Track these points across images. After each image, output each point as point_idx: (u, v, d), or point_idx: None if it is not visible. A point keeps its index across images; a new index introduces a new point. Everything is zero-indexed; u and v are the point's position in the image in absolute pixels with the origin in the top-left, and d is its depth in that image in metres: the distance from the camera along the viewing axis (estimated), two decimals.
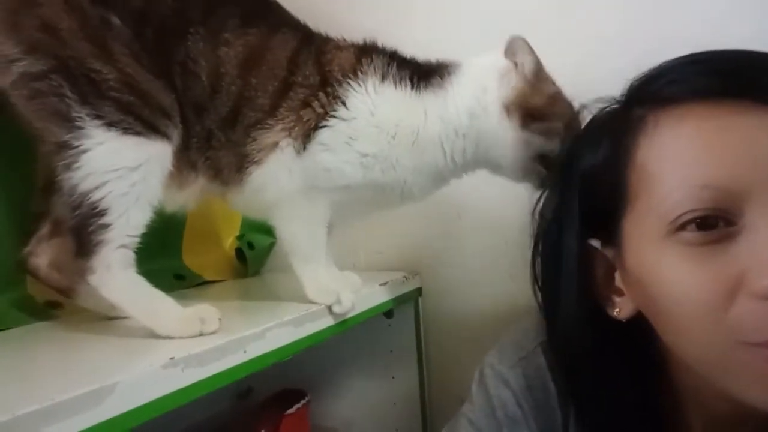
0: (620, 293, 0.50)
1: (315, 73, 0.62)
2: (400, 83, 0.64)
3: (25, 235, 0.60)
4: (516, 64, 0.64)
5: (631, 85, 0.51)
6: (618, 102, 0.53)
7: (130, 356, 0.47)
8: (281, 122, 0.61)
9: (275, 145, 0.61)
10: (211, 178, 0.63)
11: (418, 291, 0.93)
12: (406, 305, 0.92)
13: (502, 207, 0.82)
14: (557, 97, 0.64)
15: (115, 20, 0.55)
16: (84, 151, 0.52)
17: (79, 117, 0.52)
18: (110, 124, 0.53)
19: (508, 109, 0.63)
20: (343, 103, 0.62)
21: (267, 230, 0.96)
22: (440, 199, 0.75)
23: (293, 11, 0.67)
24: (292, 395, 0.89)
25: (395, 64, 0.64)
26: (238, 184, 0.63)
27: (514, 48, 0.64)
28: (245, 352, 0.52)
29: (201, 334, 0.51)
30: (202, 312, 0.52)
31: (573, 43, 0.81)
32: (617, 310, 0.50)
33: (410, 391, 0.93)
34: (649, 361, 0.50)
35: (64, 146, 0.52)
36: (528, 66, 0.63)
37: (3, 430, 0.32)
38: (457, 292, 0.94)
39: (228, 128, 0.61)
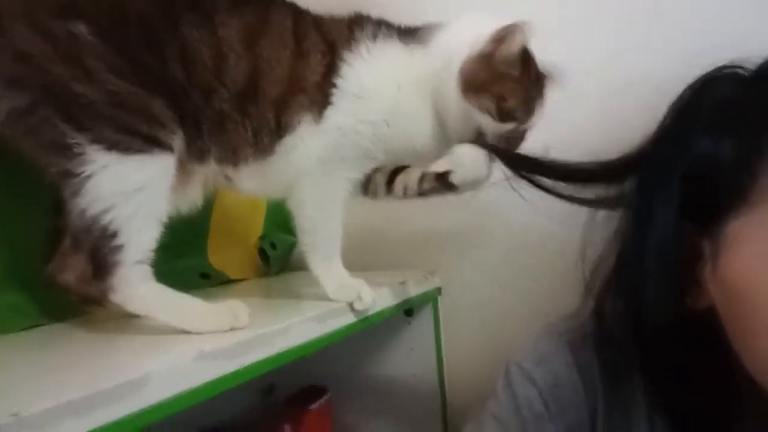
0: (698, 284, 0.46)
1: (321, 42, 0.65)
2: (390, 38, 0.67)
3: (47, 249, 0.60)
4: (500, 40, 0.63)
5: None
6: (752, 80, 0.46)
7: (161, 350, 0.49)
8: (300, 90, 0.63)
9: (297, 113, 0.63)
10: (223, 161, 0.63)
11: (438, 290, 0.94)
12: (426, 304, 0.93)
13: (524, 211, 0.82)
14: (509, 84, 0.63)
15: (81, 30, 0.53)
16: (88, 177, 0.51)
17: (78, 144, 0.51)
18: (110, 147, 0.52)
19: (460, 71, 0.64)
20: (347, 65, 0.64)
21: (290, 230, 0.97)
22: (461, 201, 0.75)
23: None
24: (315, 392, 0.90)
25: (384, 26, 0.68)
26: (256, 160, 0.64)
27: (512, 29, 0.62)
28: (271, 346, 0.53)
29: (233, 329, 0.52)
30: (234, 307, 0.54)
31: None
32: (689, 298, 0.47)
33: (430, 388, 0.94)
34: (707, 356, 0.47)
35: (68, 174, 0.51)
36: (505, 45, 0.62)
37: (50, 416, 0.34)
38: (477, 291, 0.95)
39: (245, 104, 0.61)
